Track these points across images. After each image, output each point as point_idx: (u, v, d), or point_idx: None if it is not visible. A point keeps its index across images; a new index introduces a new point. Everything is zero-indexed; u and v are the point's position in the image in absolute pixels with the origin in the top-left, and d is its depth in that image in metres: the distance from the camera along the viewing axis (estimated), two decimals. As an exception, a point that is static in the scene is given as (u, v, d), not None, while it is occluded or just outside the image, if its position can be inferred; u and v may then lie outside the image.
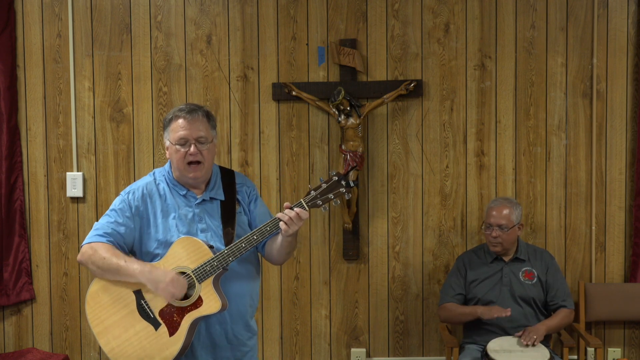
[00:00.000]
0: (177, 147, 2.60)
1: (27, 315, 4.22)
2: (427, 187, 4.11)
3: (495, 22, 4.06)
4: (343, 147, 3.96)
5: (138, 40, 4.11)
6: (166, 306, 2.54)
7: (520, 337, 3.45)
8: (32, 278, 4.20)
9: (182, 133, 2.59)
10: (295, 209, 2.52)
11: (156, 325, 2.55)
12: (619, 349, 4.13)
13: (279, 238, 2.61)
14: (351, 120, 3.94)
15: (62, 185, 4.16)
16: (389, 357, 4.19)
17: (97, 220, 4.10)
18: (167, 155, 2.67)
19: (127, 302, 2.58)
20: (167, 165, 2.73)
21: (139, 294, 2.57)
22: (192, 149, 2.58)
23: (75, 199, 4.17)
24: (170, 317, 2.53)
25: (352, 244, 4.10)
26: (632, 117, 4.05)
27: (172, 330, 2.53)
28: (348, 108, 3.91)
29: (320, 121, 4.10)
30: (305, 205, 2.53)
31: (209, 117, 2.68)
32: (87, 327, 4.21)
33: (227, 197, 2.69)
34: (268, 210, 2.82)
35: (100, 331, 2.60)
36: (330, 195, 2.54)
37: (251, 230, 2.64)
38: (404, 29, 4.06)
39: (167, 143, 2.65)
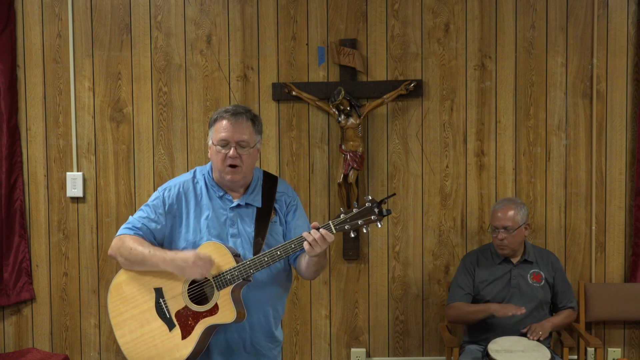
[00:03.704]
0: (218, 148, 2.57)
1: (27, 315, 4.22)
2: (427, 187, 4.11)
3: (495, 22, 4.06)
4: (343, 147, 3.97)
5: (138, 40, 4.11)
6: (183, 308, 2.53)
7: (526, 332, 3.47)
8: (32, 278, 4.20)
9: (223, 135, 2.56)
10: (321, 230, 2.41)
11: (171, 326, 2.54)
12: (619, 349, 4.13)
13: (307, 256, 2.52)
14: (351, 120, 3.94)
15: (62, 185, 4.16)
16: (389, 357, 4.19)
17: (96, 221, 4.14)
18: (209, 155, 2.65)
19: (147, 298, 2.57)
20: (208, 165, 2.70)
21: (159, 292, 2.57)
22: (231, 152, 2.54)
23: (75, 199, 4.17)
24: (186, 320, 2.52)
25: (352, 244, 4.10)
26: (632, 117, 4.05)
27: (185, 333, 2.52)
28: (348, 108, 3.91)
29: (320, 121, 4.10)
30: (332, 228, 2.42)
31: (255, 122, 2.62)
32: (87, 327, 4.21)
33: (264, 204, 2.64)
34: (307, 223, 2.70)
35: (117, 323, 2.61)
36: (360, 222, 2.41)
37: (284, 241, 2.58)
38: (404, 29, 4.06)
39: (210, 143, 2.63)
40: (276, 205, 2.67)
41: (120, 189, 4.15)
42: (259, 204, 2.64)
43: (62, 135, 4.16)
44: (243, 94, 4.10)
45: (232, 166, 2.57)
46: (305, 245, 2.42)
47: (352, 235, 2.45)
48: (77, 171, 4.16)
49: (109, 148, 4.15)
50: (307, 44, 4.07)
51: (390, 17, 4.06)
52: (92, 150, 4.15)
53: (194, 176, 2.69)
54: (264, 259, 2.47)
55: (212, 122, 2.63)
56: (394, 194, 2.65)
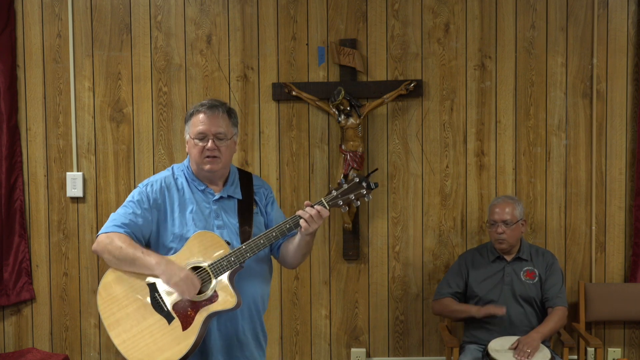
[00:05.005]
0: (196, 141, 2.62)
1: (27, 315, 4.22)
2: (427, 187, 4.11)
3: (495, 22, 4.06)
4: (343, 147, 3.97)
5: (138, 40, 4.11)
6: (180, 300, 2.53)
7: (514, 349, 3.36)
8: (32, 278, 4.20)
9: (201, 128, 2.61)
10: (316, 206, 2.52)
11: (169, 319, 2.53)
12: (619, 349, 4.13)
13: (297, 238, 2.62)
14: (351, 120, 3.94)
15: (62, 185, 4.16)
16: (389, 357, 4.19)
17: (96, 221, 4.14)
18: (187, 150, 2.69)
19: (140, 295, 2.57)
20: (185, 161, 2.74)
21: (153, 287, 2.56)
22: (209, 144, 2.60)
23: (75, 199, 4.17)
24: (185, 311, 2.52)
25: (352, 244, 4.10)
26: (632, 117, 4.05)
27: (186, 324, 2.51)
28: (348, 108, 3.91)
29: (320, 121, 4.10)
30: (326, 204, 2.53)
31: (230, 114, 2.68)
32: (87, 327, 4.21)
33: (245, 196, 2.71)
34: (284, 215, 2.82)
35: (111, 323, 2.59)
36: (352, 196, 2.54)
37: (266, 230, 2.63)
38: (404, 29, 4.06)
39: (187, 137, 2.67)
40: (256, 198, 2.74)
41: (120, 189, 4.15)
42: (240, 196, 2.70)
43: (62, 135, 4.16)
44: (243, 94, 4.10)
45: (211, 157, 2.61)
46: (302, 222, 2.52)
47: (344, 211, 2.59)
48: (77, 171, 4.16)
49: (109, 148, 4.15)
50: (307, 44, 4.08)
51: (390, 17, 4.06)
52: (92, 150, 4.15)
53: (173, 172, 2.73)
54: (260, 242, 2.54)
55: (189, 116, 2.68)
56: (376, 169, 2.83)
